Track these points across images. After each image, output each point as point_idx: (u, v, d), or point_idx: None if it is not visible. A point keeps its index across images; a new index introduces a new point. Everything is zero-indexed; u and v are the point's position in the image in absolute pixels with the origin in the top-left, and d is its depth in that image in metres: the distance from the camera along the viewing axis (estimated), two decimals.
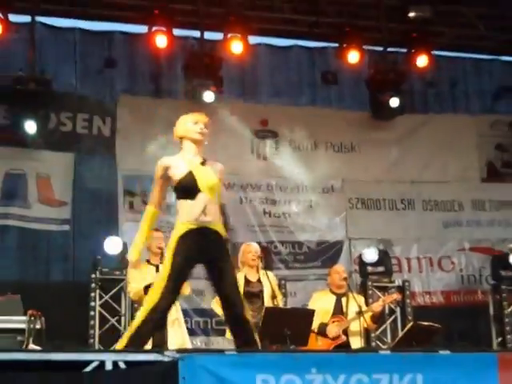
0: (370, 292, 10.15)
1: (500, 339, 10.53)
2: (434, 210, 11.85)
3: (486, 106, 12.60)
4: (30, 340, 5.32)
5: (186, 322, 8.14)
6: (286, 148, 11.49)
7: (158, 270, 7.24)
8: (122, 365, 4.25)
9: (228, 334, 7.64)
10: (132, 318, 8.56)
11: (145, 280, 7.23)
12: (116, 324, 9.28)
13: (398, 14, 11.39)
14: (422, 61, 11.36)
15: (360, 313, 7.78)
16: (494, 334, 10.63)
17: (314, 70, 12.04)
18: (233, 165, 9.59)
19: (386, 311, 10.11)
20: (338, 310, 8.04)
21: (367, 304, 8.67)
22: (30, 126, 9.99)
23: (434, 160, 11.92)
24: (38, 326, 5.44)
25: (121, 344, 5.15)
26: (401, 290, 10.28)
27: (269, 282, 7.60)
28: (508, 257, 10.35)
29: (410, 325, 8.31)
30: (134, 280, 7.46)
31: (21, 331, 5.36)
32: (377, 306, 8.16)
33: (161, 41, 10.45)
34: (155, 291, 5.31)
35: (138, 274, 7.44)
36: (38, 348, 5.27)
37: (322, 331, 7.86)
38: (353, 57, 11.14)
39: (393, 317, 10.28)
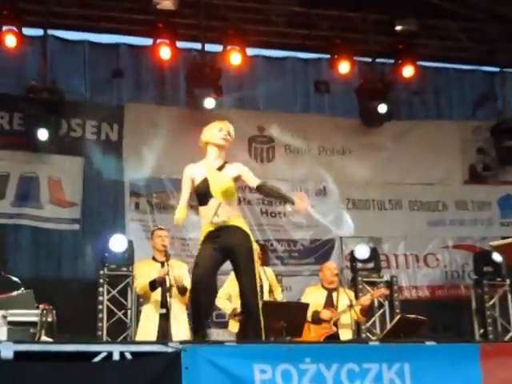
0: (361, 287, 10.13)
1: (482, 331, 10.54)
2: (419, 210, 11.84)
3: (468, 113, 12.58)
4: (42, 332, 5.28)
5: (189, 315, 8.11)
6: (281, 152, 11.49)
7: (162, 266, 7.24)
8: (128, 355, 4.23)
9: (230, 327, 7.66)
10: (138, 311, 8.54)
11: (150, 276, 7.22)
12: (123, 317, 9.26)
13: (385, 27, 11.41)
14: (408, 71, 11.38)
15: (351, 306, 7.77)
16: (476, 326, 10.64)
17: (307, 80, 12.04)
18: None
19: (376, 305, 10.10)
20: (329, 304, 8.03)
21: (357, 298, 8.66)
22: (43, 133, 9.98)
23: (420, 163, 11.89)
24: (49, 319, 5.40)
25: None
26: (389, 284, 10.26)
27: (266, 277, 7.59)
28: (490, 254, 10.33)
29: (397, 317, 8.28)
30: (141, 276, 7.45)
31: (33, 324, 5.32)
32: (365, 300, 8.15)
33: (164, 52, 10.44)
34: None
35: (144, 271, 7.43)
36: (49, 340, 5.24)
37: (316, 318, 7.85)
38: (343, 67, 11.14)
39: (382, 310, 10.26)
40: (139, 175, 10.69)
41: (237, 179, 5.62)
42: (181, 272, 7.41)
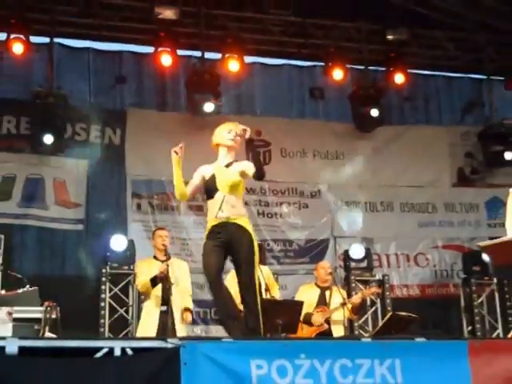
0: (353, 285, 10.12)
1: (470, 328, 10.53)
2: (410, 211, 11.82)
3: (456, 119, 12.58)
4: (47, 329, 5.27)
5: None
6: (277, 155, 11.46)
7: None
8: (129, 351, 4.21)
9: None
10: (139, 308, 8.52)
11: (151, 274, 7.22)
12: (124, 314, 9.24)
13: (377, 36, 11.45)
14: (399, 78, 11.39)
15: (344, 304, 7.75)
16: (464, 324, 10.64)
17: (302, 86, 12.02)
18: None
19: (368, 303, 10.09)
20: (322, 302, 8.01)
21: (349, 296, 8.64)
22: (48, 136, 9.94)
23: (410, 167, 11.89)
24: (53, 316, 5.39)
25: None
26: (381, 283, 10.26)
27: (263, 276, 7.56)
28: (479, 254, 10.29)
29: (389, 315, 8.26)
30: (142, 274, 7.44)
31: (38, 321, 5.31)
32: (356, 299, 8.15)
33: (166, 60, 10.44)
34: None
35: (146, 269, 7.42)
36: (53, 336, 5.22)
37: (307, 320, 7.82)
38: (337, 74, 11.14)
39: (373, 308, 10.25)
40: (141, 177, 10.70)
41: (243, 174, 5.60)
42: (181, 270, 7.40)
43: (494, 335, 10.27)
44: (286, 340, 5.76)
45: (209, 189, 5.64)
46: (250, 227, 5.62)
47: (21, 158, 10.36)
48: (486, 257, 10.16)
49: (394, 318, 7.77)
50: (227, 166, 5.67)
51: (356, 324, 9.86)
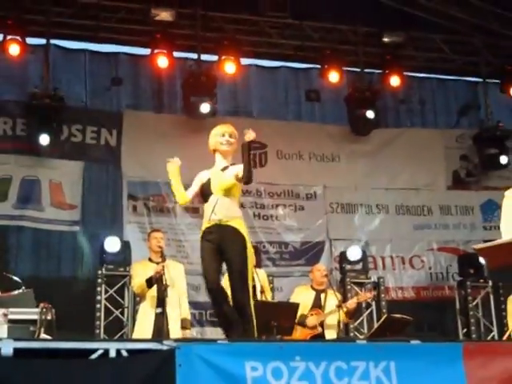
0: (349, 287, 10.12)
1: (465, 330, 10.54)
2: (405, 214, 11.83)
3: (451, 122, 12.61)
4: (42, 330, 5.25)
5: None
6: (273, 158, 11.46)
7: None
8: (124, 353, 4.20)
9: None
10: (134, 310, 8.51)
11: (146, 275, 7.20)
12: (120, 316, 9.23)
13: (373, 39, 11.47)
14: (394, 81, 11.42)
15: (339, 306, 7.76)
16: (459, 326, 10.65)
17: (299, 89, 12.04)
18: None
19: (363, 305, 10.07)
20: (317, 305, 8.02)
21: (345, 297, 8.64)
22: (44, 138, 9.94)
23: (406, 169, 11.90)
24: (48, 318, 5.37)
25: None
26: (376, 285, 10.28)
27: (258, 279, 7.56)
28: (474, 256, 10.30)
29: (384, 317, 8.28)
30: (137, 275, 7.43)
31: (33, 322, 5.29)
32: (351, 303, 8.17)
33: (162, 62, 10.44)
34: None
35: (141, 271, 7.42)
36: (48, 337, 5.20)
37: (302, 322, 7.83)
38: (333, 77, 11.16)
39: (369, 310, 10.25)
40: (137, 179, 10.69)
41: (237, 178, 5.60)
42: (177, 272, 7.40)
43: (489, 337, 10.29)
44: (281, 342, 5.75)
45: (205, 193, 5.68)
46: (243, 229, 5.61)
47: (17, 160, 10.35)
48: (481, 259, 10.19)
49: (389, 320, 7.79)
50: (223, 169, 5.69)
51: (351, 326, 9.86)
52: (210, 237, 5.55)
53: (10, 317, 5.27)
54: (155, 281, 7.12)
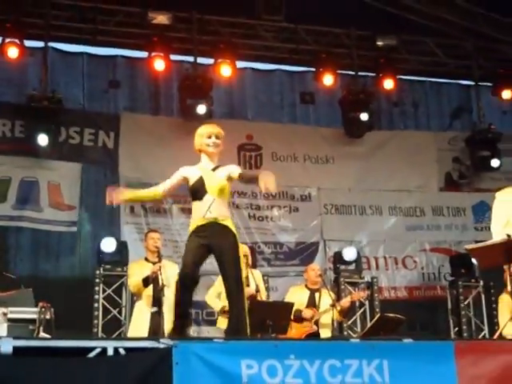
0: (343, 287, 10.13)
1: (456, 329, 10.55)
2: (398, 215, 11.85)
3: (444, 124, 12.65)
4: (41, 329, 5.28)
5: None
6: (268, 160, 11.48)
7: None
8: (121, 351, 4.22)
9: (219, 324, 7.65)
10: (132, 309, 8.52)
11: (143, 275, 7.23)
12: (117, 315, 9.23)
13: (367, 42, 11.50)
14: (388, 84, 11.44)
15: (333, 305, 7.79)
16: (451, 325, 10.65)
17: (293, 91, 12.07)
18: None
19: (357, 304, 10.10)
20: (311, 304, 8.05)
21: (339, 297, 8.67)
22: (43, 139, 9.93)
23: (399, 171, 11.93)
24: (47, 317, 5.40)
25: None
26: (369, 285, 10.29)
27: (254, 279, 7.58)
28: (466, 257, 10.31)
29: (377, 316, 8.31)
30: (134, 275, 7.46)
31: (32, 321, 5.32)
32: (345, 302, 8.20)
33: (159, 65, 10.46)
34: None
35: (138, 270, 7.44)
36: (47, 336, 5.23)
37: (298, 316, 7.85)
38: (328, 80, 11.18)
39: (362, 309, 10.26)
40: (134, 180, 10.67)
41: (229, 178, 5.63)
42: (173, 272, 7.41)
43: (480, 336, 10.31)
44: (276, 341, 5.76)
45: (197, 190, 5.62)
46: (234, 229, 5.63)
47: (15, 161, 10.36)
48: (473, 260, 10.21)
49: (382, 319, 7.81)
50: (214, 169, 5.68)
51: (345, 325, 9.89)
52: (202, 233, 5.53)
53: (10, 316, 5.30)
54: (151, 280, 7.14)
